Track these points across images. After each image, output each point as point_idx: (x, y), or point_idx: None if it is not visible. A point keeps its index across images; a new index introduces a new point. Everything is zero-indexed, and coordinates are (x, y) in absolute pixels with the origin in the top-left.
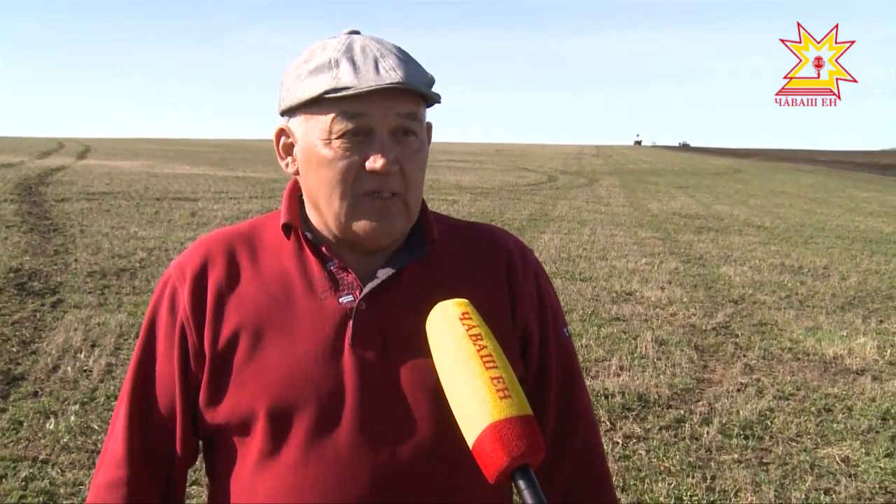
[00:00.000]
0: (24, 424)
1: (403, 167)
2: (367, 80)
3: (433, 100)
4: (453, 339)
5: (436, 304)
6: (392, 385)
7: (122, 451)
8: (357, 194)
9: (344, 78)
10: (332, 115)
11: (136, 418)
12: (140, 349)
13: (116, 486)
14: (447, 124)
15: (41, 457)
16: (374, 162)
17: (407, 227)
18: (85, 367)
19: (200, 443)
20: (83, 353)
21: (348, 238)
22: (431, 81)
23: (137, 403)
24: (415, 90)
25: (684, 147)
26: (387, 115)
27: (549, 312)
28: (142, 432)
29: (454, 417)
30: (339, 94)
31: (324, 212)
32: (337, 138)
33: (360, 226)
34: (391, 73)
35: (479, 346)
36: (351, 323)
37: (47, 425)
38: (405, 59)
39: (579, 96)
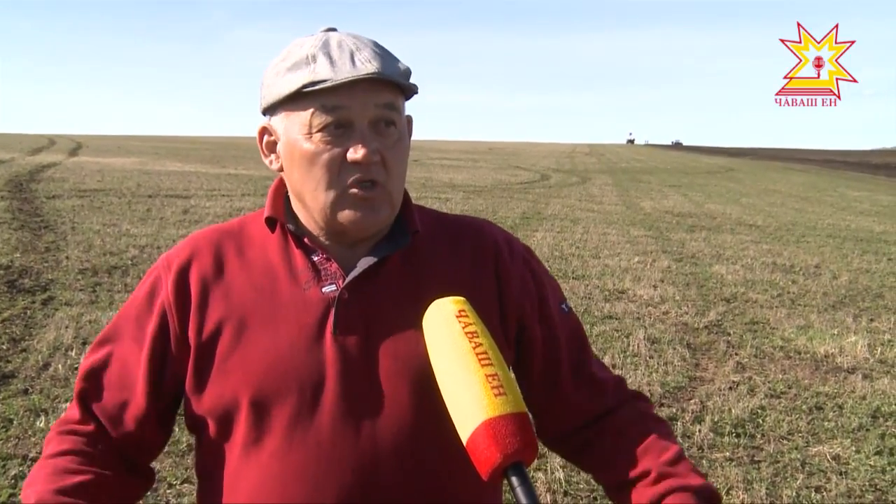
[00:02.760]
0: (14, 422)
1: (385, 157)
2: (344, 72)
3: (411, 90)
4: (449, 336)
5: (419, 293)
6: (373, 372)
7: (78, 413)
8: (341, 186)
9: (321, 72)
10: (311, 109)
11: (90, 393)
12: (109, 328)
13: (68, 434)
14: (440, 122)
15: (31, 455)
16: (355, 152)
17: (391, 216)
18: (76, 365)
19: (188, 435)
20: (74, 350)
21: (334, 229)
22: (408, 72)
23: (93, 380)
24: (391, 80)
25: (677, 146)
26: (365, 106)
27: (549, 292)
28: (93, 407)
29: (440, 405)
30: (316, 88)
31: (309, 205)
32: (317, 132)
33: (346, 216)
34: (367, 65)
35: (475, 343)
36: (333, 312)
37: (37, 423)
38: (381, 52)
39: (572, 95)
